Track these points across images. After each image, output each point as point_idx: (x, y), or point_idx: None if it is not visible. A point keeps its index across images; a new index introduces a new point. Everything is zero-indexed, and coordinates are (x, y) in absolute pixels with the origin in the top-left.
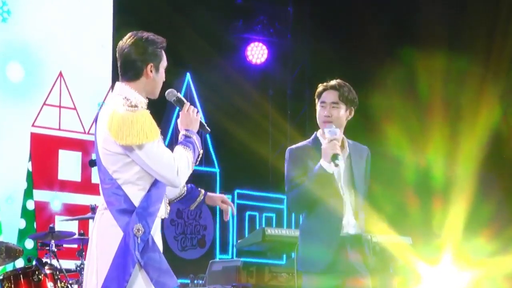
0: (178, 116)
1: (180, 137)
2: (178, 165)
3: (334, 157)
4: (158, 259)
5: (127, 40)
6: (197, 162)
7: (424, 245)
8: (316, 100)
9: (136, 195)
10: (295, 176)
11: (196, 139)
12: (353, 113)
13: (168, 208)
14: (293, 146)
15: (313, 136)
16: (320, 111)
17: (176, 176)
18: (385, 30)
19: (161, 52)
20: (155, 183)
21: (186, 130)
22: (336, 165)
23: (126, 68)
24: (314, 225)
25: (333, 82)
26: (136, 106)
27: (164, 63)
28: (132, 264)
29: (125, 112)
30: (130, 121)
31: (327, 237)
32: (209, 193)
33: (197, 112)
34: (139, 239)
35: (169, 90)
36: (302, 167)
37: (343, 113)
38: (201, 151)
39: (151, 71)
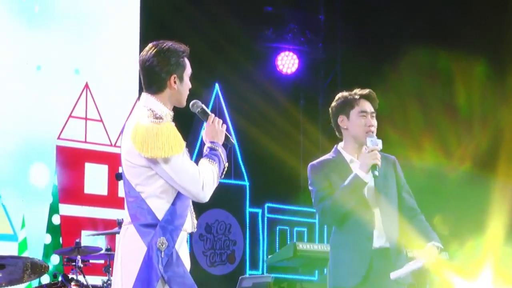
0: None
1: (205, 150)
2: (204, 179)
3: (374, 167)
4: (182, 274)
5: (148, 51)
6: (223, 175)
7: (462, 261)
8: (347, 109)
9: (160, 209)
10: (323, 187)
11: (221, 152)
12: None
13: (195, 221)
14: (314, 162)
15: (333, 149)
16: (361, 121)
17: (201, 191)
18: (421, 39)
19: (184, 60)
20: (179, 196)
21: (211, 142)
22: (376, 176)
23: (150, 81)
24: (345, 238)
25: (368, 92)
26: (161, 118)
27: (188, 71)
28: (156, 279)
29: (150, 124)
30: (155, 133)
31: (359, 250)
32: None
33: (223, 123)
34: (162, 253)
35: (193, 101)
36: (327, 180)
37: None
38: (226, 164)
39: (175, 82)
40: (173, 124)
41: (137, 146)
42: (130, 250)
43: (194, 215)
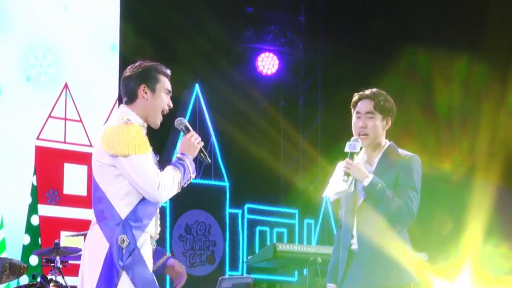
0: None
1: (174, 159)
2: (161, 181)
3: (346, 174)
4: (144, 269)
5: (128, 68)
6: (186, 184)
7: (441, 262)
8: (352, 110)
9: (123, 209)
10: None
11: (189, 164)
12: (390, 122)
13: (159, 229)
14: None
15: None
16: (355, 122)
17: (156, 191)
18: (402, 41)
19: (159, 76)
20: (143, 199)
21: (181, 153)
22: (346, 181)
23: (123, 92)
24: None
25: (368, 91)
26: (130, 120)
27: (161, 86)
28: (117, 274)
29: (118, 124)
30: (122, 132)
31: (341, 253)
32: (172, 259)
33: (199, 141)
34: (124, 250)
35: (178, 118)
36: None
37: (379, 123)
38: (193, 176)
39: (145, 92)
40: (140, 128)
41: (104, 145)
42: (94, 249)
43: (159, 223)
